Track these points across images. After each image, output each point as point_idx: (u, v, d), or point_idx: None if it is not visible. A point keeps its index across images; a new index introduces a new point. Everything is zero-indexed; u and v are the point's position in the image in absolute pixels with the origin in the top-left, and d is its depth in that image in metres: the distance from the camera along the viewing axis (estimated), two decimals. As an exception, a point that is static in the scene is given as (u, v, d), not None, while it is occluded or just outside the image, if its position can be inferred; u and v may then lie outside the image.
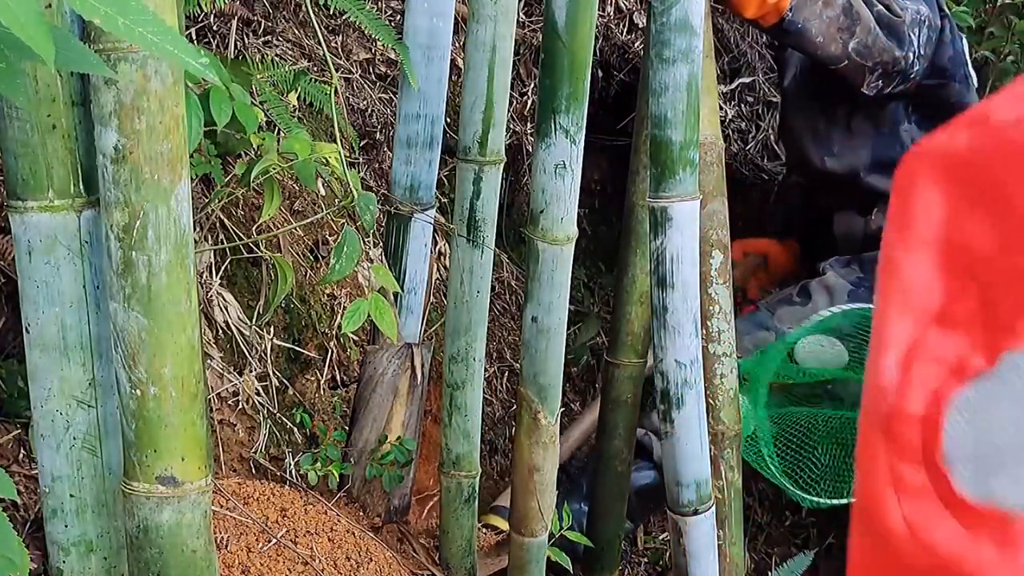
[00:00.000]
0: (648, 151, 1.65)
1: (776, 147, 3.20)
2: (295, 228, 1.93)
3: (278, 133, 1.76)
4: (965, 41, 2.43)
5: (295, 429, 1.89)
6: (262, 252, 1.77)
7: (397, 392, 1.93)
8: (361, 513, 1.90)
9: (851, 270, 2.50)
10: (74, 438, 1.19)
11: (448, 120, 2.02)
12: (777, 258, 2.85)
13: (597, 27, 1.94)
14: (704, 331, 1.76)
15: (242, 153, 1.76)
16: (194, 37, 1.94)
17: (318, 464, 1.87)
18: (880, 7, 2.17)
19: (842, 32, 2.10)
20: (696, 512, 1.71)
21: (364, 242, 1.96)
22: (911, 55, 2.18)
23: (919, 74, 2.23)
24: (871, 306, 1.94)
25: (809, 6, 2.05)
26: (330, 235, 2.03)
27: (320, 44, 1.76)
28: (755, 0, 1.98)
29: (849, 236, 2.56)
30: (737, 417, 1.89)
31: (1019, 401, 0.62)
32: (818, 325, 2.24)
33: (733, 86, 3.11)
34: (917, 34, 2.18)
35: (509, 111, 2.00)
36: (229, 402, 1.79)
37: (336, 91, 1.58)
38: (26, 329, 1.16)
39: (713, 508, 1.74)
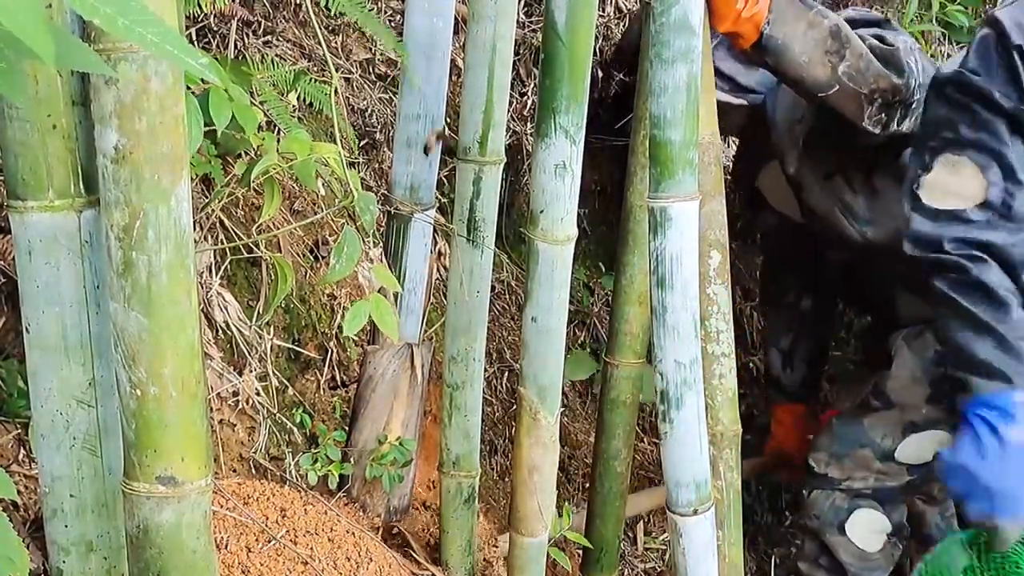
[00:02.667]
0: (647, 151, 1.65)
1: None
2: (295, 228, 1.93)
3: (278, 133, 1.76)
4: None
5: (295, 429, 1.89)
6: (262, 252, 1.77)
7: (397, 392, 1.93)
8: (361, 513, 1.90)
9: (925, 342, 2.28)
10: (74, 438, 1.19)
11: (448, 120, 2.02)
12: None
13: (597, 27, 1.94)
14: (703, 331, 1.76)
15: (242, 153, 1.76)
16: (194, 37, 1.94)
17: (318, 464, 1.87)
18: (872, 40, 2.01)
19: (830, 55, 1.94)
20: (696, 512, 1.71)
21: (364, 242, 1.96)
22: (912, 82, 2.00)
23: (921, 103, 2.00)
24: None
25: (791, 23, 1.91)
26: (330, 235, 2.03)
27: (320, 44, 1.76)
28: (730, 13, 1.85)
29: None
30: (735, 417, 1.89)
31: None
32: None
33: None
34: (915, 61, 2.00)
35: (509, 111, 2.01)
36: (229, 402, 1.79)
37: (336, 91, 1.58)
38: (26, 329, 1.16)
39: (713, 508, 1.74)
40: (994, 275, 1.80)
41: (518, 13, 2.08)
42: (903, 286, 2.38)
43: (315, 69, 2.09)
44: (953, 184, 1.84)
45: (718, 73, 2.10)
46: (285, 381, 1.90)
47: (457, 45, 2.15)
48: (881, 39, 2.02)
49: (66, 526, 1.22)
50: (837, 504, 2.39)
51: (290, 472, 1.85)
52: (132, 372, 1.09)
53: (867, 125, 2.01)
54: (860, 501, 2.38)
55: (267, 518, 1.66)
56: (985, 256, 1.80)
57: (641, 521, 2.74)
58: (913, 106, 2.03)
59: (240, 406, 1.80)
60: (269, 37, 2.08)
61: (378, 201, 1.70)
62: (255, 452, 1.81)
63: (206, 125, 1.48)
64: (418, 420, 1.96)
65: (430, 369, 1.97)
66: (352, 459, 1.91)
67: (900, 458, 2.31)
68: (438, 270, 2.22)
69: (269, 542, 1.62)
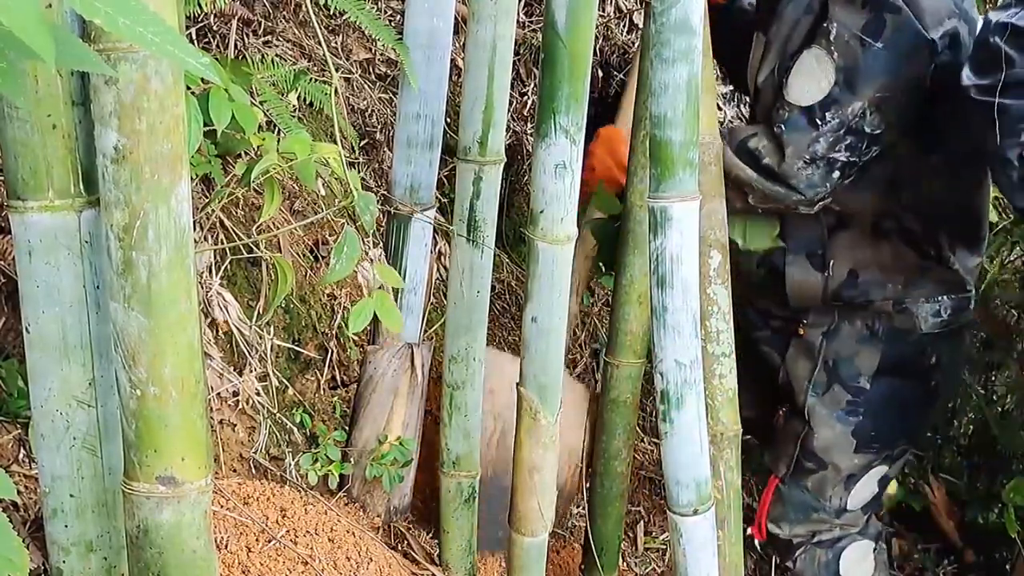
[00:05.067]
0: (647, 151, 1.64)
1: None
2: (295, 228, 1.93)
3: (278, 133, 1.76)
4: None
5: (295, 429, 1.89)
6: (262, 252, 1.77)
7: (397, 392, 1.93)
8: (361, 513, 1.90)
9: (834, 395, 2.30)
10: (74, 438, 1.19)
11: (448, 120, 2.02)
12: None
13: (597, 27, 1.95)
14: (703, 331, 1.76)
15: (242, 153, 1.76)
16: (194, 37, 1.94)
17: (318, 464, 1.87)
18: (769, 160, 2.01)
19: (736, 196, 2.01)
20: (696, 512, 1.71)
21: (364, 242, 1.96)
22: (811, 194, 2.00)
23: (847, 177, 2.02)
24: None
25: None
26: (330, 235, 2.03)
27: (320, 44, 1.76)
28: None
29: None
30: (735, 417, 1.89)
31: None
32: None
33: (732, 87, 3.11)
34: (818, 169, 1.99)
35: (509, 111, 2.01)
36: (229, 402, 1.79)
37: (336, 91, 1.58)
38: (26, 329, 1.16)
39: (713, 508, 1.74)
40: None
41: (518, 13, 2.08)
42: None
43: (315, 69, 2.09)
44: None
45: None
46: (285, 381, 1.90)
47: (457, 45, 2.15)
48: (779, 146, 2.02)
49: (66, 526, 1.22)
50: (822, 561, 2.43)
51: (290, 472, 1.85)
52: (132, 372, 1.09)
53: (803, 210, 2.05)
54: (841, 544, 2.42)
55: (267, 518, 1.66)
56: None
57: (641, 521, 2.74)
58: (818, 200, 2.04)
59: (240, 406, 1.80)
60: (269, 37, 2.08)
61: (378, 201, 1.70)
62: (255, 452, 1.81)
63: (206, 125, 1.48)
64: (418, 420, 1.97)
65: (430, 369, 1.97)
66: (352, 459, 1.91)
67: (852, 507, 2.36)
68: (438, 270, 2.22)
69: (269, 542, 1.62)
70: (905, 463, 2.47)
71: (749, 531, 2.42)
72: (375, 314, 1.59)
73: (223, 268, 1.81)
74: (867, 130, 1.98)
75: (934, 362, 2.24)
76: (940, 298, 2.20)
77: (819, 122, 1.97)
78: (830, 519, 2.37)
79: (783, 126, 2.00)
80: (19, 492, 1.46)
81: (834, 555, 2.41)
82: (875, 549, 2.45)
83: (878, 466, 2.33)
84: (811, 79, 1.98)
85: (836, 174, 2.00)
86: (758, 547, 2.55)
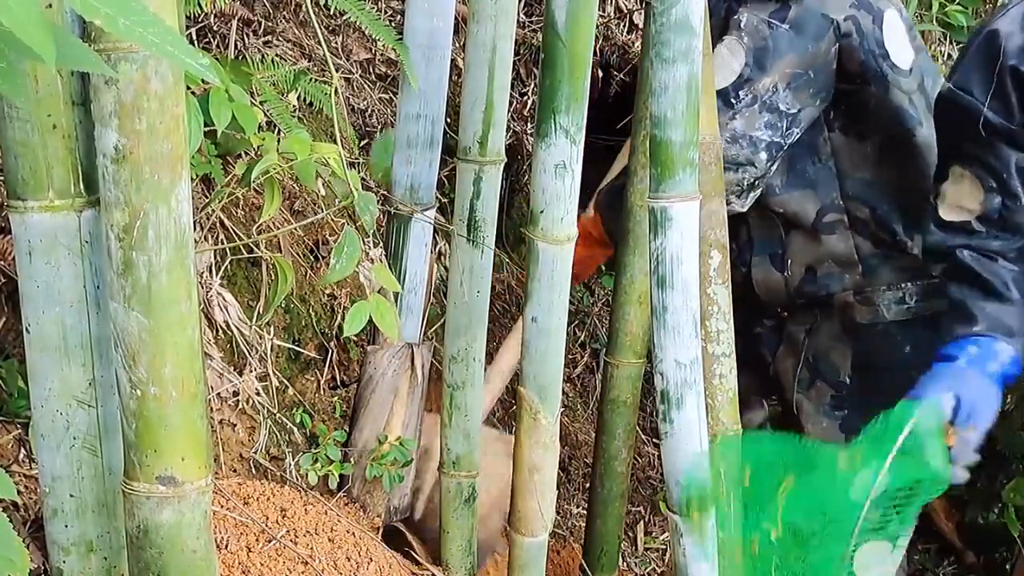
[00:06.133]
0: (647, 151, 1.64)
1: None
2: (295, 228, 1.93)
3: (278, 133, 1.76)
4: (895, 38, 2.15)
5: (295, 429, 1.89)
6: (262, 252, 1.77)
7: (397, 392, 1.93)
8: (361, 513, 1.90)
9: (818, 391, 2.31)
10: (74, 438, 1.19)
11: (448, 120, 2.02)
12: None
13: (597, 27, 1.94)
14: (703, 331, 1.76)
15: (242, 153, 1.76)
16: (194, 37, 1.94)
17: (318, 464, 1.87)
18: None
19: None
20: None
21: (364, 242, 1.96)
22: (739, 175, 2.01)
23: (774, 159, 2.06)
24: None
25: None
26: (330, 235, 2.03)
27: (320, 44, 1.76)
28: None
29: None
30: (736, 417, 1.89)
31: None
32: None
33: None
34: (742, 149, 2.01)
35: (509, 111, 2.00)
36: (229, 402, 1.79)
37: (336, 91, 1.58)
38: (26, 329, 1.16)
39: (713, 508, 1.74)
40: (1001, 270, 1.90)
41: (518, 13, 2.08)
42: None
43: (315, 69, 2.09)
44: (959, 196, 1.94)
45: None
46: (285, 381, 1.90)
47: (457, 45, 2.15)
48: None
49: (66, 526, 1.22)
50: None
51: (290, 472, 1.85)
52: (132, 372, 1.09)
53: (739, 208, 2.08)
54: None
55: (267, 518, 1.66)
56: (993, 255, 1.91)
57: (641, 521, 2.74)
58: (766, 171, 2.08)
59: (240, 406, 1.80)
60: (269, 37, 2.08)
61: (378, 201, 1.70)
62: (255, 452, 1.81)
63: (206, 125, 1.48)
64: (418, 420, 1.96)
65: (430, 369, 1.97)
66: (352, 459, 1.91)
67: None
68: (438, 270, 2.22)
69: (269, 542, 1.62)
70: None
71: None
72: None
73: (223, 268, 1.81)
74: (781, 107, 2.03)
75: (908, 350, 2.23)
76: (903, 285, 2.20)
77: (733, 101, 2.02)
78: None
79: None
80: (19, 492, 1.46)
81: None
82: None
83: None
84: (724, 66, 2.04)
85: (763, 155, 2.03)
86: None
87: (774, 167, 2.07)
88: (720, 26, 2.10)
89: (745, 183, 2.05)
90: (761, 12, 2.04)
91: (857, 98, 2.11)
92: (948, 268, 1.95)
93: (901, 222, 2.17)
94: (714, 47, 2.06)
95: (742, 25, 2.04)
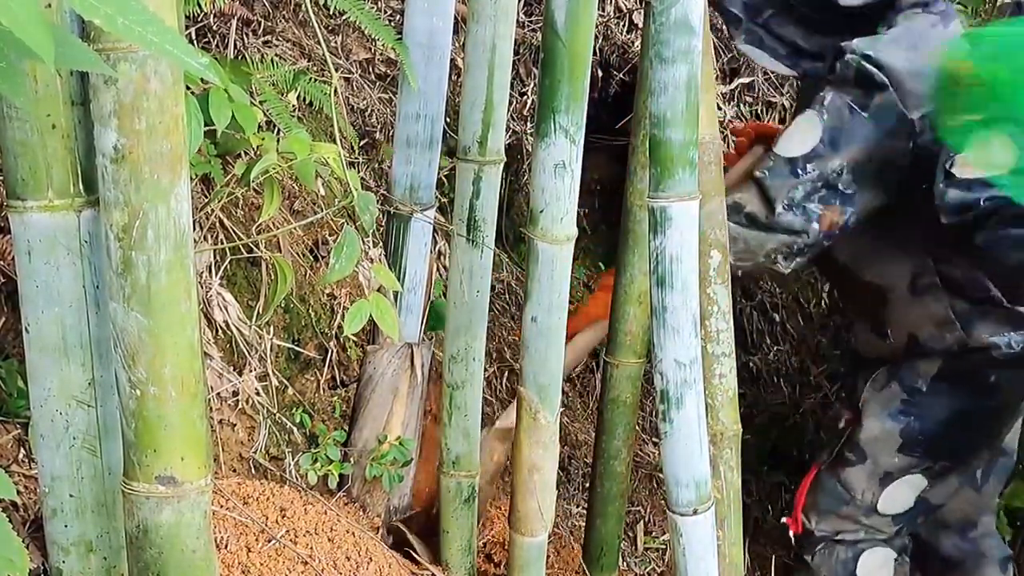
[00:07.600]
0: (646, 151, 1.65)
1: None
2: (295, 228, 1.93)
3: (278, 133, 1.76)
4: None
5: (295, 429, 1.89)
6: (262, 252, 1.77)
7: (397, 392, 1.93)
8: (361, 513, 1.90)
9: (891, 392, 2.36)
10: (74, 438, 1.19)
11: (448, 120, 2.02)
12: None
13: (597, 27, 1.95)
14: (703, 331, 1.76)
15: (242, 153, 1.76)
16: (194, 37, 1.94)
17: (318, 464, 1.87)
18: (751, 208, 2.12)
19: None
20: (696, 512, 1.71)
21: (364, 242, 1.96)
22: (810, 234, 2.12)
23: (830, 236, 2.15)
24: None
25: None
26: (330, 235, 2.03)
27: (320, 44, 1.76)
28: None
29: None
30: (736, 417, 1.89)
31: None
32: None
33: (732, 86, 3.11)
34: (796, 217, 2.11)
35: (509, 111, 2.01)
36: (229, 402, 1.79)
37: (336, 91, 1.58)
38: (26, 329, 1.16)
39: (712, 508, 1.74)
40: None
41: (518, 13, 2.08)
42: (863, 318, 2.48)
43: (315, 69, 2.09)
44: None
45: (778, 39, 2.26)
46: (285, 381, 1.90)
47: (457, 45, 2.15)
48: (770, 198, 2.13)
49: (66, 526, 1.22)
50: (841, 557, 2.45)
51: (290, 472, 1.85)
52: (132, 372, 1.09)
53: (783, 271, 2.18)
54: (862, 545, 2.44)
55: (267, 518, 1.66)
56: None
57: (641, 521, 2.74)
58: (830, 239, 2.18)
59: (240, 406, 1.80)
60: (269, 37, 2.08)
61: (378, 201, 1.70)
62: (255, 452, 1.81)
63: (206, 125, 1.48)
64: (418, 420, 1.96)
65: (430, 369, 1.97)
66: (352, 459, 1.91)
67: (883, 510, 2.39)
68: (438, 270, 2.22)
69: (269, 542, 1.62)
70: (949, 494, 2.45)
71: (784, 521, 2.46)
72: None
73: (223, 268, 1.81)
74: (840, 187, 2.13)
75: (994, 381, 2.27)
76: (1006, 333, 2.23)
77: (800, 172, 2.12)
78: (858, 516, 2.39)
79: (766, 172, 2.14)
80: (19, 492, 1.46)
81: (853, 555, 2.43)
82: (897, 560, 2.46)
83: (916, 474, 2.35)
84: (800, 136, 2.14)
85: (815, 225, 2.12)
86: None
87: (828, 242, 2.16)
88: (808, 96, 2.20)
89: (795, 247, 2.14)
90: (847, 95, 2.11)
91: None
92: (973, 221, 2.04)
93: (992, 281, 2.21)
94: (797, 113, 2.19)
95: (826, 104, 2.12)
